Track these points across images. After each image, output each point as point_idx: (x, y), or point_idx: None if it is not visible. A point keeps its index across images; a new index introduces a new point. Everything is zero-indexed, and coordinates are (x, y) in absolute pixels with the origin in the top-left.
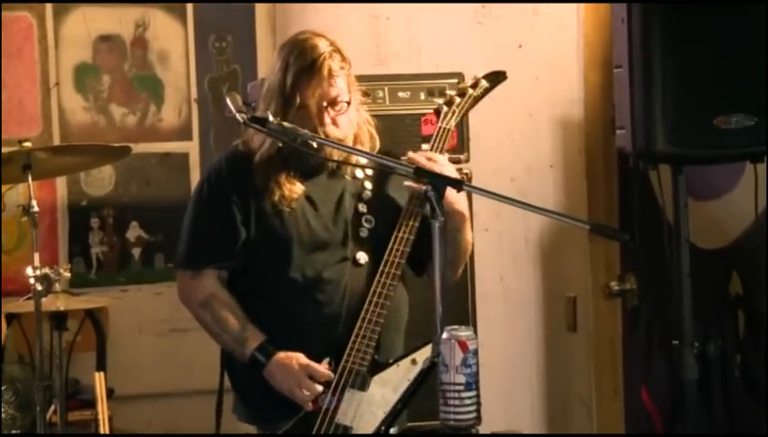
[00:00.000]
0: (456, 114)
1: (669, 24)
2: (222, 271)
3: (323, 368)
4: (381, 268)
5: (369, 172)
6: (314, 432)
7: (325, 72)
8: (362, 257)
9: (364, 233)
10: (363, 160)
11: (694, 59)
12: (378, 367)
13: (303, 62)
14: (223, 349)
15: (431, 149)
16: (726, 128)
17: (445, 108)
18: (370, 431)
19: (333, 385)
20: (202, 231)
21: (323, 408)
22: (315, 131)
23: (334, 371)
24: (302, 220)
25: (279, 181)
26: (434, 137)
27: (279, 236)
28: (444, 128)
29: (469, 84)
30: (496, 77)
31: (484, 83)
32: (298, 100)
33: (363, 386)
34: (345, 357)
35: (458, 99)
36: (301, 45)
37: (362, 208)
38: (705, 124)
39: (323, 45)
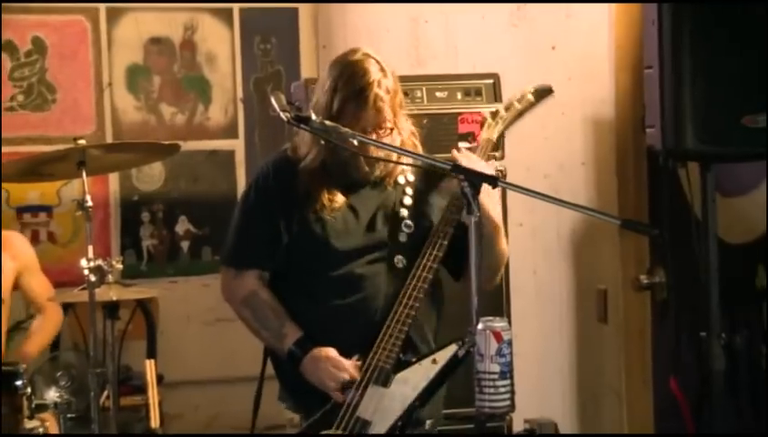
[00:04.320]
0: (499, 125)
1: (698, 26)
2: (264, 272)
3: (350, 363)
4: (414, 271)
5: (411, 178)
6: (336, 425)
7: (371, 101)
8: (400, 260)
9: (403, 238)
10: (404, 167)
11: (723, 60)
12: (401, 365)
13: (351, 88)
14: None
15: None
16: (753, 127)
17: (490, 120)
18: (387, 425)
19: (358, 381)
20: (247, 234)
21: (346, 402)
22: (359, 157)
23: (361, 368)
24: (342, 227)
25: (321, 193)
26: (479, 147)
27: (320, 241)
28: (487, 139)
29: (516, 98)
30: (542, 93)
31: (530, 97)
32: (343, 123)
33: (386, 383)
34: (371, 354)
35: (503, 112)
36: (351, 69)
37: (403, 212)
38: (733, 122)
39: (373, 72)
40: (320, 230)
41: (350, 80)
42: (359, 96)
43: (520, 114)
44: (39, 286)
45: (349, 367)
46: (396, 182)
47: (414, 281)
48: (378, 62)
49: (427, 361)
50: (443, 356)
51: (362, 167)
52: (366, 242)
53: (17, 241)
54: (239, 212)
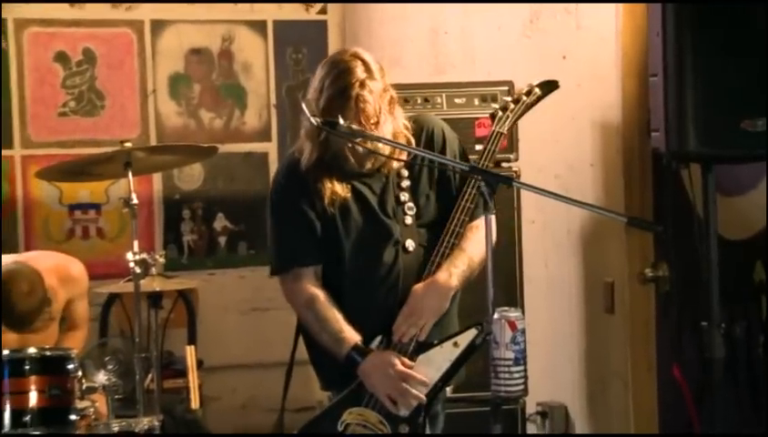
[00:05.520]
0: (510, 118)
1: (700, 36)
2: (317, 267)
3: (419, 375)
4: (432, 258)
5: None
6: (364, 403)
7: (353, 100)
8: (410, 244)
9: (408, 220)
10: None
11: (723, 68)
12: (423, 347)
13: (335, 89)
14: (298, 326)
15: (485, 150)
16: (752, 130)
17: (500, 113)
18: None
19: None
20: (285, 237)
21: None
22: (345, 147)
23: (386, 348)
24: (354, 215)
25: (325, 183)
26: (488, 139)
27: (338, 230)
28: (497, 132)
29: (523, 91)
30: (548, 86)
31: (537, 91)
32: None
33: (414, 356)
34: (393, 337)
35: (512, 105)
36: (337, 69)
37: (403, 196)
38: (733, 126)
39: (358, 72)
40: (339, 219)
41: (335, 80)
42: (342, 94)
43: (529, 107)
44: (84, 311)
45: (419, 379)
46: (392, 168)
47: (432, 267)
48: (364, 62)
49: (448, 344)
50: (464, 339)
51: (349, 159)
52: (376, 230)
53: (75, 269)
54: (271, 222)
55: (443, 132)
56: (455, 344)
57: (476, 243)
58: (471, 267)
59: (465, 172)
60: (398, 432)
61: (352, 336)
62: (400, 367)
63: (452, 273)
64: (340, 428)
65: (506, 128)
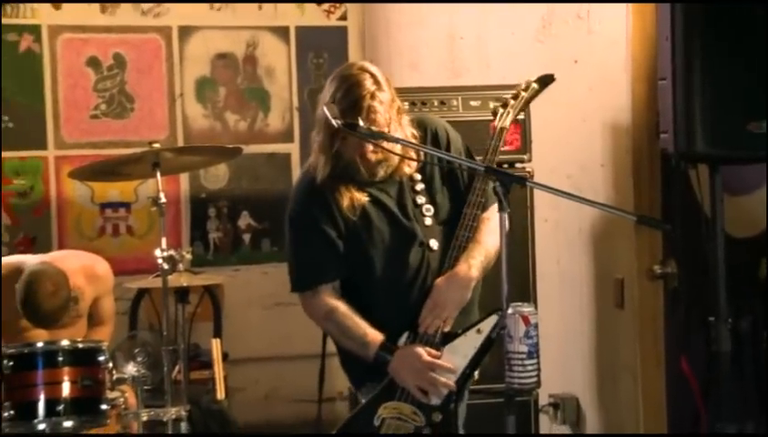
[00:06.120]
0: (510, 114)
1: (707, 41)
2: (335, 282)
3: (445, 363)
4: (450, 252)
5: (414, 164)
6: (397, 396)
7: (364, 112)
8: (434, 243)
9: (428, 221)
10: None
11: (729, 72)
12: (448, 337)
13: (347, 102)
14: None
15: (490, 147)
16: (757, 132)
17: (501, 110)
18: (443, 393)
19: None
20: (304, 255)
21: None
22: (356, 158)
23: (412, 343)
24: (376, 222)
25: (343, 192)
26: (492, 136)
27: (362, 239)
28: (501, 127)
29: (521, 87)
30: (545, 80)
31: (534, 85)
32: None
33: (442, 344)
34: (419, 329)
35: (512, 101)
36: (347, 83)
37: (420, 199)
38: (739, 128)
39: (367, 85)
40: (362, 228)
41: (346, 93)
42: (354, 107)
43: (528, 102)
44: (110, 308)
45: (446, 367)
46: (404, 173)
47: (451, 261)
48: (372, 75)
49: (472, 332)
50: (487, 325)
51: (361, 169)
52: (400, 232)
53: (101, 268)
54: (290, 240)
55: (446, 131)
56: (478, 331)
57: (490, 234)
58: (488, 257)
59: (481, 174)
60: (431, 420)
61: (376, 337)
62: (427, 358)
63: (471, 265)
64: (377, 423)
65: (508, 123)
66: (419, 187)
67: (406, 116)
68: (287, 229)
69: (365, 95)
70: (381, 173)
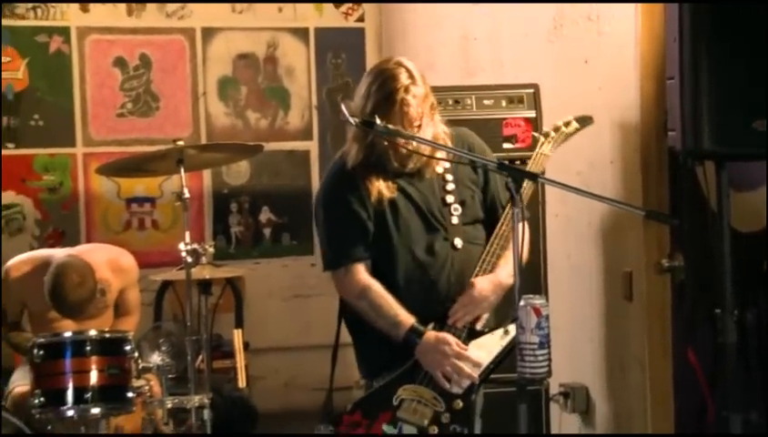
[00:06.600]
0: (551, 144)
1: (714, 42)
2: (368, 261)
3: (473, 356)
4: (483, 256)
5: (447, 165)
6: (418, 381)
7: (398, 105)
8: (458, 242)
9: (455, 220)
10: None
11: (735, 72)
12: (475, 333)
13: (381, 94)
14: (339, 313)
15: (529, 168)
16: (762, 130)
17: (542, 139)
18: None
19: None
20: (337, 234)
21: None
22: (389, 151)
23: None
24: (403, 211)
25: (373, 182)
26: (532, 159)
27: (389, 225)
28: (540, 154)
29: (562, 122)
30: (584, 121)
31: (574, 124)
32: None
33: (469, 339)
34: (448, 322)
35: (552, 133)
36: (382, 77)
37: (449, 198)
38: (745, 126)
39: (402, 79)
40: (390, 216)
41: (381, 87)
42: (388, 99)
43: (567, 137)
44: (135, 299)
45: (471, 358)
46: (434, 171)
47: (484, 265)
48: (407, 69)
49: (499, 331)
50: (514, 328)
51: (392, 159)
52: (425, 224)
53: (126, 261)
54: (322, 220)
55: (483, 147)
56: (506, 332)
57: (523, 245)
58: (521, 266)
59: (494, 170)
60: (452, 407)
61: (407, 318)
62: (456, 347)
63: (510, 273)
64: (395, 403)
65: (548, 151)
66: (450, 186)
67: (438, 114)
68: (318, 211)
69: (399, 88)
70: (411, 165)
